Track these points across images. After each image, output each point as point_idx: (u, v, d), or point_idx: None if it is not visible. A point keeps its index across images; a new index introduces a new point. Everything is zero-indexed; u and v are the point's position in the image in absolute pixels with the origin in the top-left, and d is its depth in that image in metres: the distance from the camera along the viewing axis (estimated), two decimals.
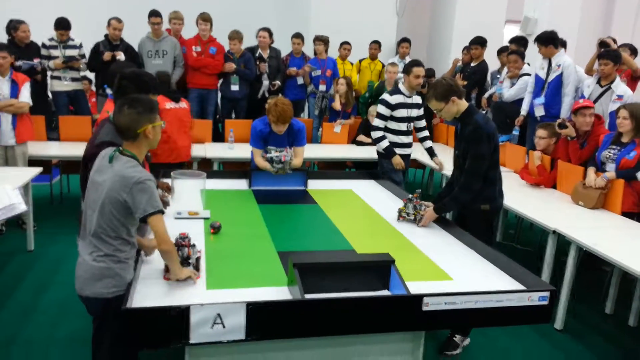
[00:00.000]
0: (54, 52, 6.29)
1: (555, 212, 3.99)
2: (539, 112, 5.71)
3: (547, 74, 5.69)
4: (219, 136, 6.55)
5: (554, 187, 4.69)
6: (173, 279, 2.29)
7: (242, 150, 5.40)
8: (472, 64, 7.12)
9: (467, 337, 3.36)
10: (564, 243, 3.67)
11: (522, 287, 2.46)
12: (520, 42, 6.66)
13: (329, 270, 2.33)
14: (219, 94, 6.90)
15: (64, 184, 6.06)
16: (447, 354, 3.26)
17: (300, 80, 7.12)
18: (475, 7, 8.81)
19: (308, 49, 7.40)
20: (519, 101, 6.03)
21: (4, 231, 4.99)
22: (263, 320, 2.01)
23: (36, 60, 6.13)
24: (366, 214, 3.56)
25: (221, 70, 6.63)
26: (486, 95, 6.74)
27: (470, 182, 3.16)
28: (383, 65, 7.56)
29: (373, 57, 7.83)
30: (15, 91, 4.86)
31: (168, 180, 3.49)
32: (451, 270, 2.65)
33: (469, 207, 3.25)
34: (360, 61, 7.86)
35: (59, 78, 6.39)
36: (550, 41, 5.62)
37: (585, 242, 3.33)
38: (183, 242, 2.39)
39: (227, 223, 3.06)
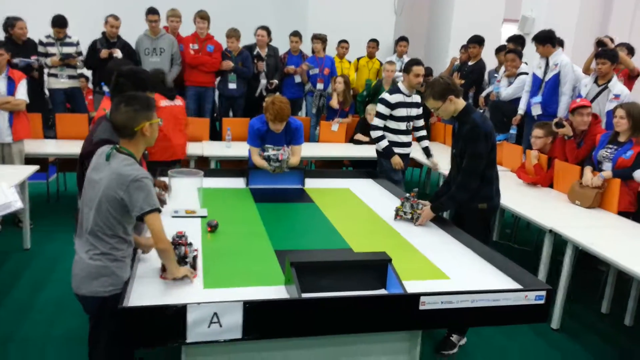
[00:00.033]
0: (51, 50, 6.29)
1: (552, 211, 3.99)
2: (536, 111, 5.71)
3: (545, 73, 5.69)
4: (216, 134, 6.54)
5: (551, 186, 4.70)
6: (170, 277, 2.28)
7: (239, 149, 5.38)
8: (470, 63, 7.13)
9: (464, 336, 3.37)
10: (560, 242, 3.68)
11: (518, 287, 2.47)
12: (517, 41, 6.66)
13: (326, 269, 2.33)
14: (217, 92, 6.89)
15: (61, 182, 6.04)
16: (443, 353, 3.27)
17: (297, 79, 7.11)
18: (473, 6, 8.81)
19: (306, 47, 7.39)
20: (516, 100, 6.03)
21: (0, 229, 4.98)
22: (260, 319, 2.01)
23: (33, 58, 6.12)
24: (363, 213, 3.56)
25: (219, 68, 6.63)
26: (483, 94, 6.74)
27: (468, 181, 3.16)
28: (381, 64, 7.56)
29: (371, 56, 7.84)
30: (11, 88, 4.84)
31: (165, 179, 3.49)
32: (448, 269, 2.65)
33: (466, 206, 3.26)
34: (358, 59, 7.87)
35: (55, 75, 6.39)
36: (547, 40, 5.62)
37: (581, 241, 3.34)
38: (180, 241, 2.39)
39: (224, 222, 3.06)
